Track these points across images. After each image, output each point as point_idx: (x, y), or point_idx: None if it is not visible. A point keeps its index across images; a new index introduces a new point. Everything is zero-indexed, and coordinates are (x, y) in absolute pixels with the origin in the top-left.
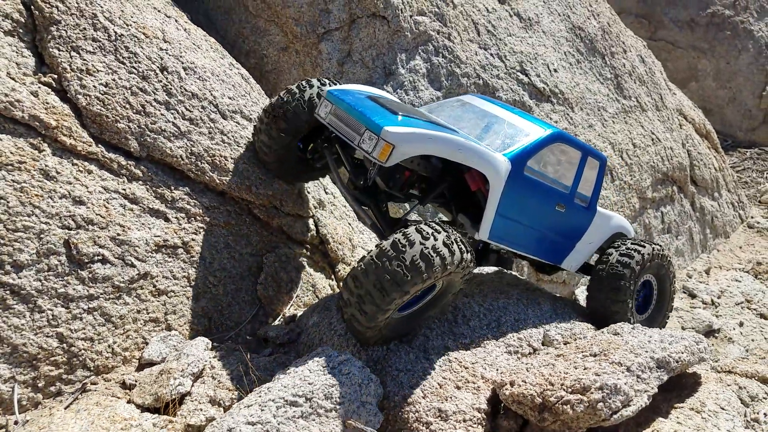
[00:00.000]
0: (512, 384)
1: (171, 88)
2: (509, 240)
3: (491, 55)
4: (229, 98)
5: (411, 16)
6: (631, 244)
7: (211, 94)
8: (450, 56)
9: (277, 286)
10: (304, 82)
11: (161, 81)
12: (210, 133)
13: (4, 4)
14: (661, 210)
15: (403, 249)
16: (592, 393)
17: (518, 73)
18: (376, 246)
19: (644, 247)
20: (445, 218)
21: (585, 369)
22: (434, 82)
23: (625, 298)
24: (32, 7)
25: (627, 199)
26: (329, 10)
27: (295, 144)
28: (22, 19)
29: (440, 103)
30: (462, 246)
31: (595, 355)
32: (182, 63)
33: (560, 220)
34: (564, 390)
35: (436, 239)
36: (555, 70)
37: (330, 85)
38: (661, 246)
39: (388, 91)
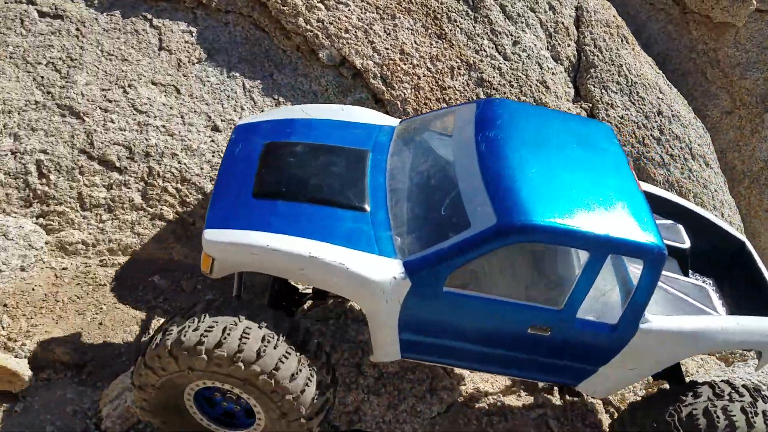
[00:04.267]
0: None
1: (663, 128)
2: (438, 356)
3: None
4: (698, 144)
5: None
6: (740, 396)
7: (688, 139)
8: None
9: None
10: None
11: (657, 122)
12: (681, 169)
13: (568, 48)
14: None
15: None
16: None
17: None
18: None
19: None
20: None
21: None
22: None
23: None
24: (581, 53)
25: None
26: None
27: None
28: (574, 61)
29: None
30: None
31: None
32: (671, 111)
33: (547, 342)
34: None
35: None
36: None
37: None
38: None
39: None
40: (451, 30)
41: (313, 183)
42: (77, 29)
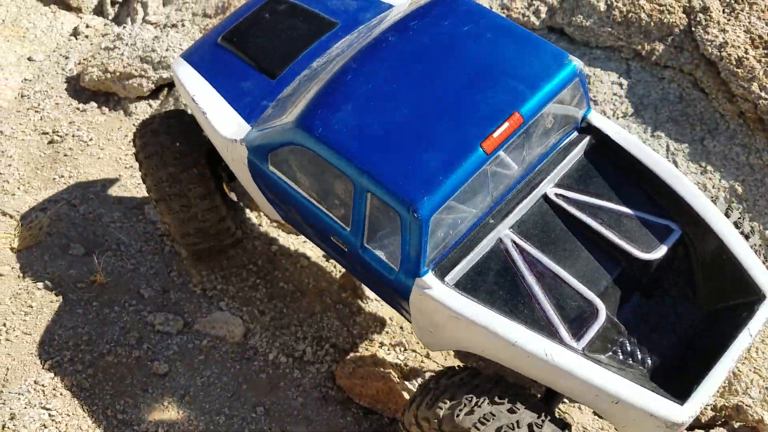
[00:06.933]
0: None
1: None
2: (302, 232)
3: None
4: None
5: None
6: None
7: None
8: None
9: None
10: None
11: None
12: None
13: None
14: None
15: None
16: None
17: None
18: None
19: None
20: None
21: None
22: None
23: None
24: None
25: None
26: None
27: None
28: None
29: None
30: None
31: None
32: None
33: (349, 257)
34: None
35: None
36: None
37: None
38: None
39: None
40: None
41: (260, 41)
42: None
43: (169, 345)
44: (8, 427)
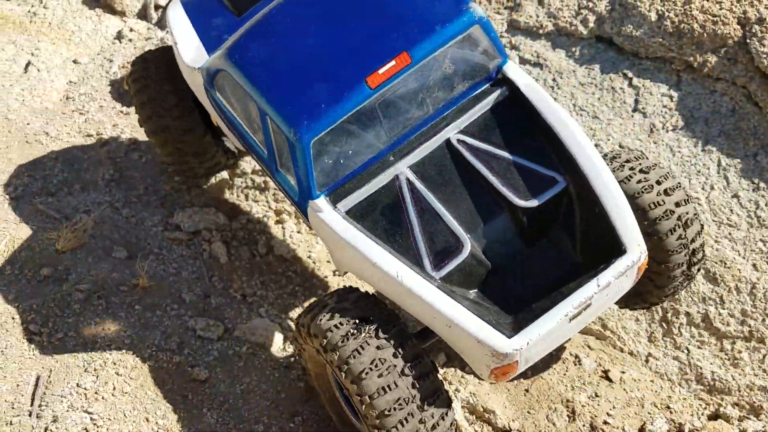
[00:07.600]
0: None
1: None
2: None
3: None
4: None
5: None
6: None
7: None
8: None
9: None
10: None
11: None
12: None
13: None
14: None
15: None
16: None
17: None
18: None
19: None
20: None
21: None
22: None
23: None
24: None
25: None
26: None
27: None
28: None
29: None
30: None
31: None
32: None
33: (276, 181)
34: None
35: None
36: None
37: None
38: None
39: None
40: None
41: None
42: (554, 80)
43: (210, 351)
44: (50, 430)
